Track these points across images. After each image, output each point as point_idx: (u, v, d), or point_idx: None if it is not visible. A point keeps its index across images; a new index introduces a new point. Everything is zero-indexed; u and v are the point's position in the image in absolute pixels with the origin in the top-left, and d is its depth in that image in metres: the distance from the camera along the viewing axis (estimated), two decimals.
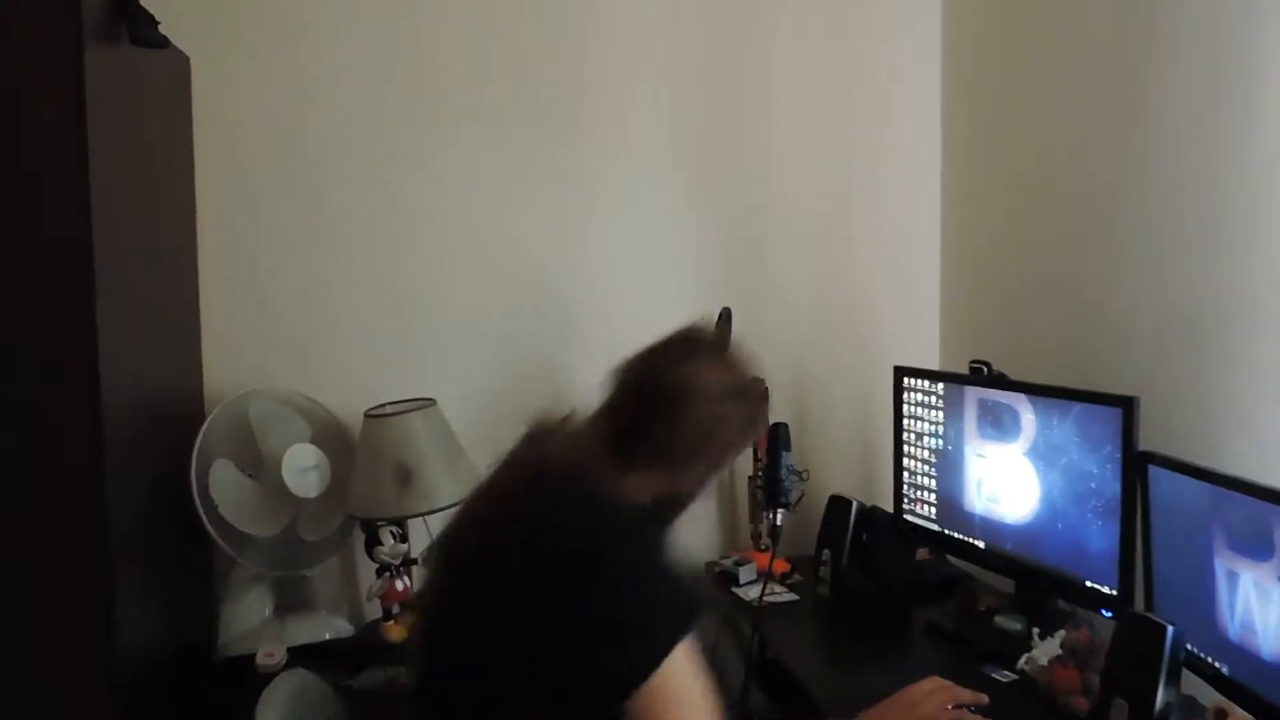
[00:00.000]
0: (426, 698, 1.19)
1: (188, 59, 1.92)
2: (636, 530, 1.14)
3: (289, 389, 2.00)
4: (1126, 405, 1.50)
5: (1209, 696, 1.34)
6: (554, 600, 1.05)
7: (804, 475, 1.99)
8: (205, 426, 1.82)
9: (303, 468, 1.88)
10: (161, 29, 1.60)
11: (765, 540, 2.09)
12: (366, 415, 1.90)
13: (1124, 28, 1.72)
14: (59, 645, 1.48)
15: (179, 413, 1.89)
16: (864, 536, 1.95)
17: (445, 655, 1.17)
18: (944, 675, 1.42)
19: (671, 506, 1.30)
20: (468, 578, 1.17)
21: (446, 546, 1.25)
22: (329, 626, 1.97)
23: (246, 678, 1.73)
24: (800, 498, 1.96)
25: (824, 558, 1.96)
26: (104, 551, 1.47)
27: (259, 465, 1.89)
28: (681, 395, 1.23)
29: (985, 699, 1.32)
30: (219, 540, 1.79)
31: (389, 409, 1.90)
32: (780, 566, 2.06)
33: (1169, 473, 1.43)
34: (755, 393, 1.32)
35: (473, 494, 1.27)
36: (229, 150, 1.99)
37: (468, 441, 1.99)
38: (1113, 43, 1.75)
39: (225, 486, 1.81)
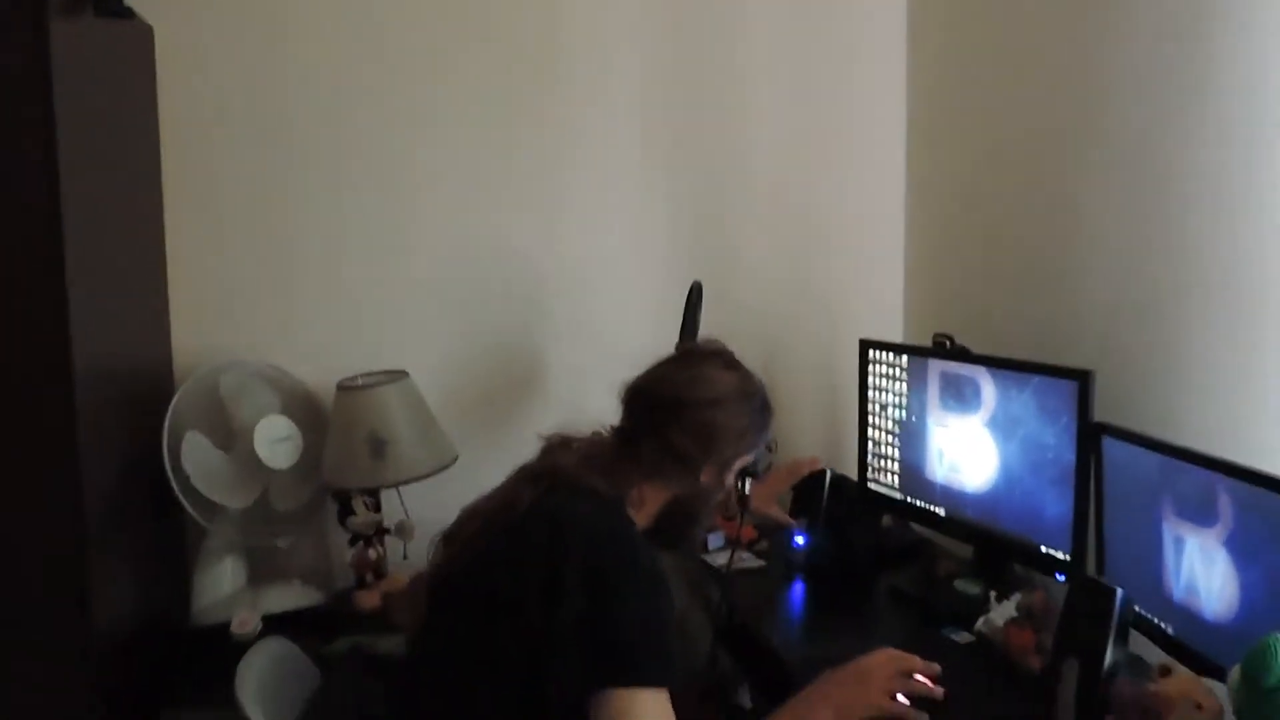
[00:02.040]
0: (419, 667, 1.24)
1: (151, 29, 1.89)
2: (634, 548, 1.20)
3: (260, 361, 2.00)
4: (1082, 378, 1.55)
5: (1155, 656, 1.40)
6: (548, 592, 1.12)
7: (772, 446, 2.03)
8: (176, 399, 1.82)
9: (274, 439, 1.88)
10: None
11: (733, 508, 2.13)
12: (339, 387, 1.91)
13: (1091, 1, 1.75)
14: (34, 616, 1.49)
15: (149, 386, 1.89)
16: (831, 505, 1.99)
17: (443, 631, 1.23)
18: (905, 637, 1.47)
19: (683, 516, 1.37)
20: (471, 568, 1.23)
21: (453, 536, 1.32)
22: (302, 595, 1.98)
23: (221, 645, 1.75)
24: (769, 467, 2.00)
25: (798, 525, 1.99)
26: (78, 523, 1.48)
27: (230, 437, 1.89)
28: (682, 399, 1.31)
29: (937, 668, 1.36)
30: (192, 511, 1.80)
31: (361, 380, 1.91)
32: (748, 534, 2.10)
33: (1122, 443, 1.49)
34: (758, 396, 1.38)
35: (484, 497, 1.33)
36: (194, 120, 1.97)
37: (440, 412, 2.01)
38: (1080, 19, 1.78)
39: (197, 458, 1.81)
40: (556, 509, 1.21)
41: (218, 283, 2.02)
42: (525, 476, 1.31)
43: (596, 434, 1.36)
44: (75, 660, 1.51)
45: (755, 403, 1.37)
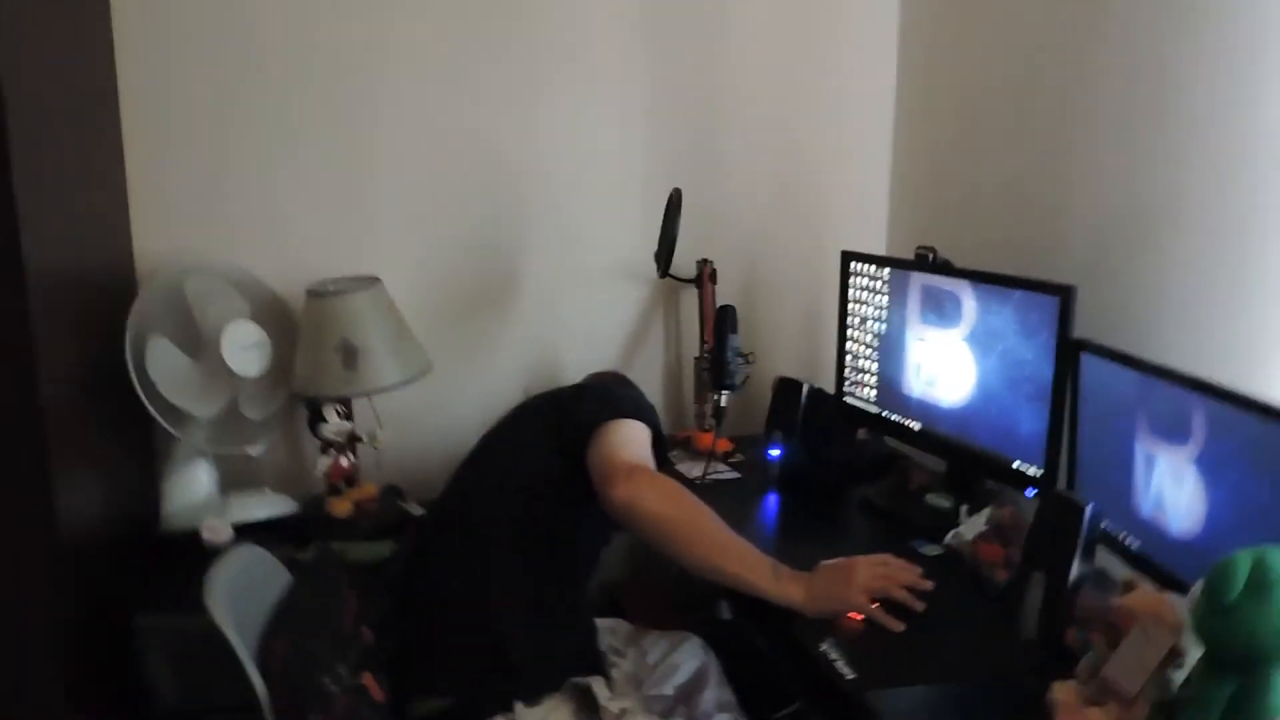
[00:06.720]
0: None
1: None
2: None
3: (227, 263, 1.94)
4: (1064, 294, 1.53)
5: (1120, 571, 1.42)
6: (556, 407, 1.65)
7: (750, 358, 2.01)
8: (138, 303, 1.78)
9: (243, 345, 1.85)
10: None
11: (709, 420, 2.13)
12: (309, 293, 1.86)
13: None
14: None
15: (110, 288, 1.84)
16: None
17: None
18: (875, 550, 1.48)
19: None
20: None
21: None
22: (273, 503, 1.97)
23: (192, 552, 1.75)
24: (745, 379, 1.99)
25: (774, 437, 1.99)
26: (37, 431, 1.46)
27: (198, 343, 1.85)
28: None
29: (930, 585, 1.40)
30: (159, 418, 1.77)
31: (332, 287, 1.87)
32: (723, 446, 2.10)
33: (1100, 360, 1.48)
34: None
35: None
36: (150, 13, 1.87)
37: (413, 320, 1.97)
38: None
39: (163, 365, 1.78)
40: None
41: (180, 184, 1.96)
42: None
43: None
44: (44, 567, 1.51)
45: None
